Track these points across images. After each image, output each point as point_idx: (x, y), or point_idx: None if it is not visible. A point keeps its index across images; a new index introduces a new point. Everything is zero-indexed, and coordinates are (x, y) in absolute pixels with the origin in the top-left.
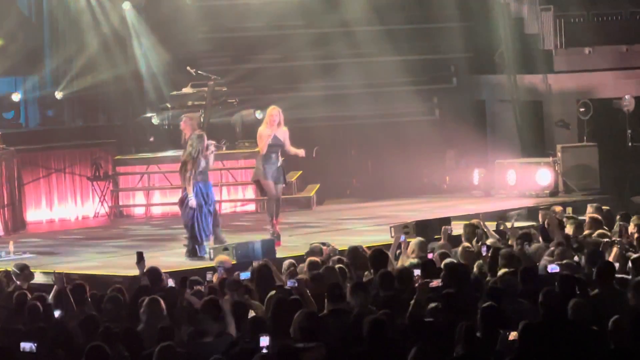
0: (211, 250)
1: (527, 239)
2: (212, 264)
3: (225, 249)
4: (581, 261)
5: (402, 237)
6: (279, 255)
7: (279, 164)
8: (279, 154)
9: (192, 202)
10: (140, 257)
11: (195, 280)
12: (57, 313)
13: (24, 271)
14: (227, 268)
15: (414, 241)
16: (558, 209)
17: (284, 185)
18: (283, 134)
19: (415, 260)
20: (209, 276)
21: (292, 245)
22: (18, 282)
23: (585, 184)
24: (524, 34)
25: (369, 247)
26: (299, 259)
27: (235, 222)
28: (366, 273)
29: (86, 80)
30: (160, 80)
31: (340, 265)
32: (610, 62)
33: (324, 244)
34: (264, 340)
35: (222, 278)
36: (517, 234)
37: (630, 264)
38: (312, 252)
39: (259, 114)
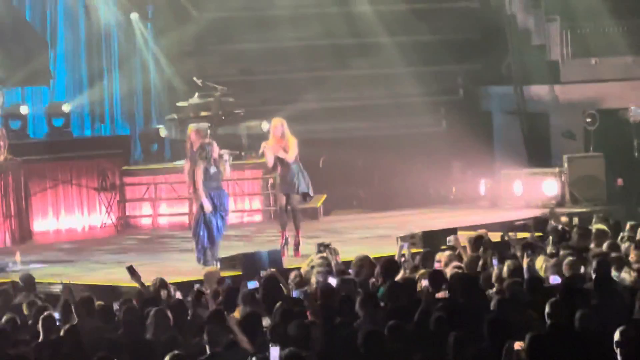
0: (218, 262)
1: (531, 249)
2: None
3: (232, 259)
4: (587, 272)
5: (405, 245)
6: (286, 265)
7: (289, 176)
8: (289, 165)
9: (207, 206)
10: (132, 272)
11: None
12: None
13: (28, 282)
14: (219, 281)
15: (420, 252)
16: (564, 219)
17: (294, 194)
18: (287, 144)
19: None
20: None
21: (300, 256)
22: (24, 293)
23: (591, 195)
24: (530, 45)
25: (376, 258)
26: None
27: (242, 232)
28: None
29: (94, 92)
30: (168, 91)
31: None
32: (617, 73)
33: (325, 245)
34: (275, 350)
35: (226, 289)
36: (521, 244)
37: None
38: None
39: (264, 126)
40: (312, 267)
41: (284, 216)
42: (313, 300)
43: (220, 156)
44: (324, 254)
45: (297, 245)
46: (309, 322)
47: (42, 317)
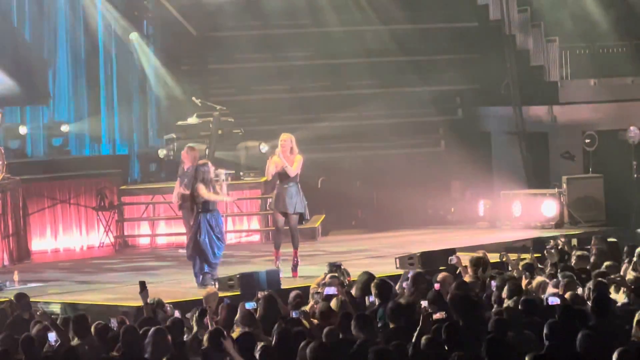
0: (216, 282)
1: (529, 269)
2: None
3: (230, 279)
4: (584, 293)
5: (410, 273)
6: (284, 286)
7: (286, 194)
8: (289, 184)
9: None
10: (143, 287)
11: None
12: (52, 340)
13: (23, 300)
14: (218, 301)
15: (411, 274)
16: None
17: (292, 214)
18: (293, 161)
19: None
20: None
21: (297, 277)
22: (17, 312)
23: (590, 216)
24: (529, 65)
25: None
26: (305, 289)
27: (240, 253)
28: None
29: (93, 111)
30: (166, 110)
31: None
32: (616, 94)
33: (337, 266)
34: None
35: (224, 310)
36: (520, 265)
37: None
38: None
39: (263, 148)
40: (323, 285)
41: (279, 236)
42: (311, 320)
43: (217, 176)
44: (335, 274)
45: (295, 266)
46: (310, 341)
47: (21, 338)
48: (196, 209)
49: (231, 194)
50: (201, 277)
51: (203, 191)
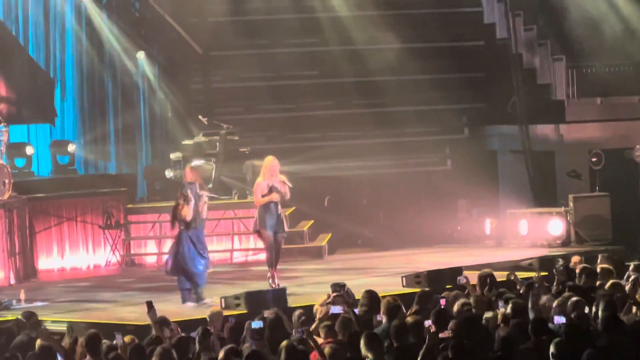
0: (222, 299)
1: (536, 288)
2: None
3: (237, 298)
4: (592, 312)
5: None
6: (290, 304)
7: (277, 214)
8: (278, 204)
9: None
10: (150, 306)
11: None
12: None
13: (31, 319)
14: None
15: (417, 292)
16: (576, 258)
17: (284, 235)
18: (280, 183)
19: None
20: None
21: (303, 295)
22: (26, 331)
23: (597, 234)
24: (536, 84)
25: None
26: (311, 308)
27: (247, 271)
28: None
29: (99, 129)
30: (173, 129)
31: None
32: (622, 113)
33: (341, 286)
34: None
35: (230, 329)
36: (526, 284)
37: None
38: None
39: None
40: (327, 304)
41: (271, 255)
42: (312, 338)
43: (200, 196)
44: (340, 293)
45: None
46: None
47: (27, 357)
48: (178, 226)
49: (237, 212)
50: (182, 293)
51: (185, 211)
